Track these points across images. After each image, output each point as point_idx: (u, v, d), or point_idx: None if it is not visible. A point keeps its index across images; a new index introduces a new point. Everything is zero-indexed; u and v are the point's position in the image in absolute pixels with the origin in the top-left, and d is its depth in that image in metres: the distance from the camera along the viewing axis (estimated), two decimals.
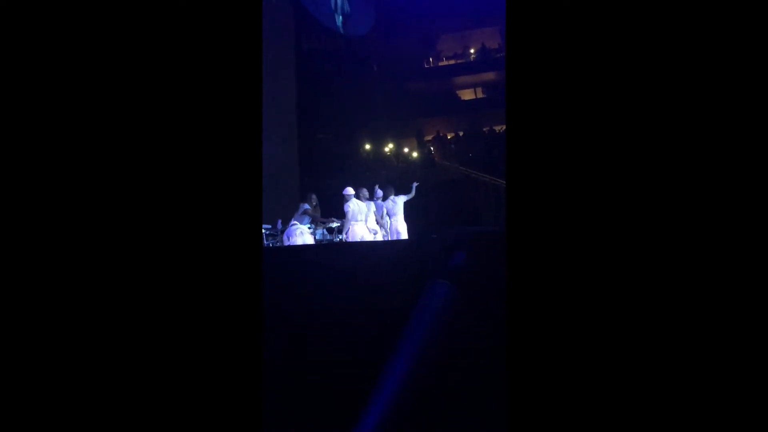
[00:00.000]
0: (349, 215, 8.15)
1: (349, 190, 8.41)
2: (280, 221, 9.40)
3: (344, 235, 8.37)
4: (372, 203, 8.69)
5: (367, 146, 18.05)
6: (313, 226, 8.68)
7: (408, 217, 9.25)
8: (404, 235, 8.99)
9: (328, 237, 9.35)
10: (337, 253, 4.40)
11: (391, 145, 18.40)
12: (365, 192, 8.77)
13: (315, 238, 8.99)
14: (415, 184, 9.21)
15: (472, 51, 21.23)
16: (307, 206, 8.45)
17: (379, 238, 8.27)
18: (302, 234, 8.20)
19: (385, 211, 8.84)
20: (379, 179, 10.87)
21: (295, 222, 8.31)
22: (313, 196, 8.75)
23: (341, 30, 16.12)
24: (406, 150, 18.51)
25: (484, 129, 19.33)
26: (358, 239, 8.08)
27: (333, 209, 8.82)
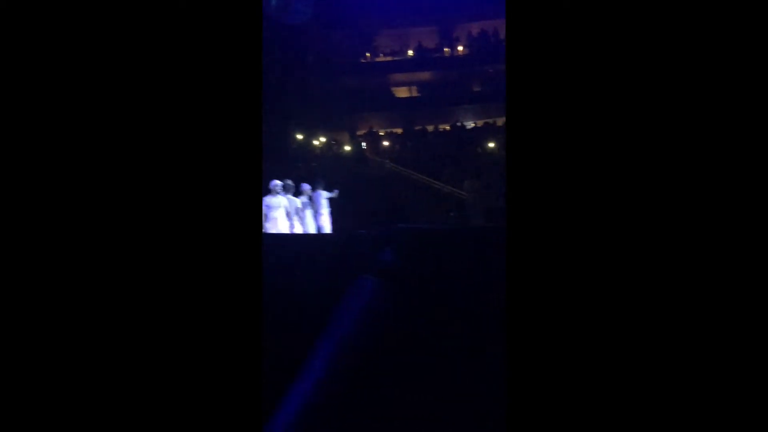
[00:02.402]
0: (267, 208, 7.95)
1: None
2: None
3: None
4: (293, 198, 8.47)
5: (299, 137, 17.82)
6: None
7: (335, 212, 9.18)
8: (327, 230, 8.91)
9: None
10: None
11: (322, 138, 18.23)
12: (299, 185, 8.60)
13: None
14: (335, 192, 9.15)
15: (409, 50, 21.32)
16: None
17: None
18: None
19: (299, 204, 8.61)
20: (309, 171, 10.73)
21: None
22: None
23: (275, 13, 15.78)
24: (337, 143, 18.39)
25: (417, 128, 19.47)
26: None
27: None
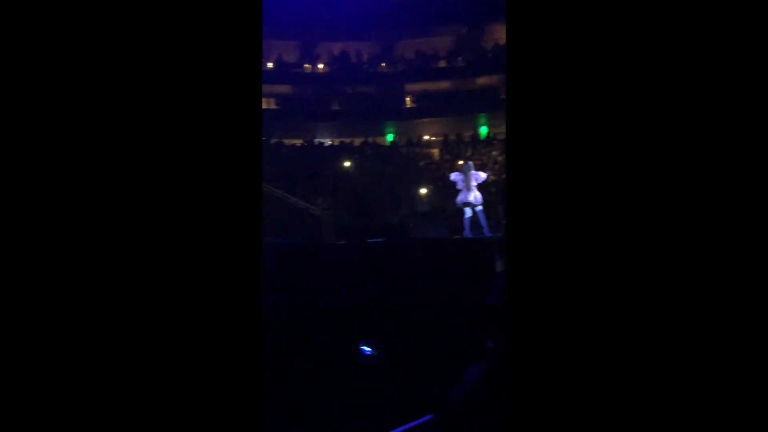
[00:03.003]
0: None
1: None
2: None
3: None
4: None
5: None
6: None
7: None
8: None
9: None
10: None
11: None
12: None
13: None
14: None
15: (269, 62, 21.14)
16: None
17: None
18: None
19: None
20: None
21: None
22: None
23: None
24: None
25: (273, 141, 19.30)
26: None
27: None
